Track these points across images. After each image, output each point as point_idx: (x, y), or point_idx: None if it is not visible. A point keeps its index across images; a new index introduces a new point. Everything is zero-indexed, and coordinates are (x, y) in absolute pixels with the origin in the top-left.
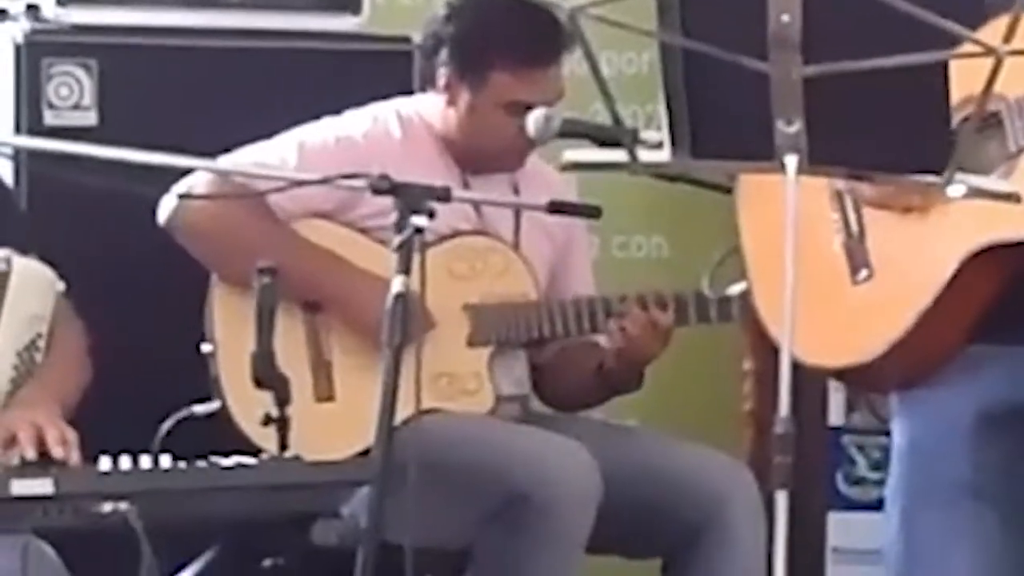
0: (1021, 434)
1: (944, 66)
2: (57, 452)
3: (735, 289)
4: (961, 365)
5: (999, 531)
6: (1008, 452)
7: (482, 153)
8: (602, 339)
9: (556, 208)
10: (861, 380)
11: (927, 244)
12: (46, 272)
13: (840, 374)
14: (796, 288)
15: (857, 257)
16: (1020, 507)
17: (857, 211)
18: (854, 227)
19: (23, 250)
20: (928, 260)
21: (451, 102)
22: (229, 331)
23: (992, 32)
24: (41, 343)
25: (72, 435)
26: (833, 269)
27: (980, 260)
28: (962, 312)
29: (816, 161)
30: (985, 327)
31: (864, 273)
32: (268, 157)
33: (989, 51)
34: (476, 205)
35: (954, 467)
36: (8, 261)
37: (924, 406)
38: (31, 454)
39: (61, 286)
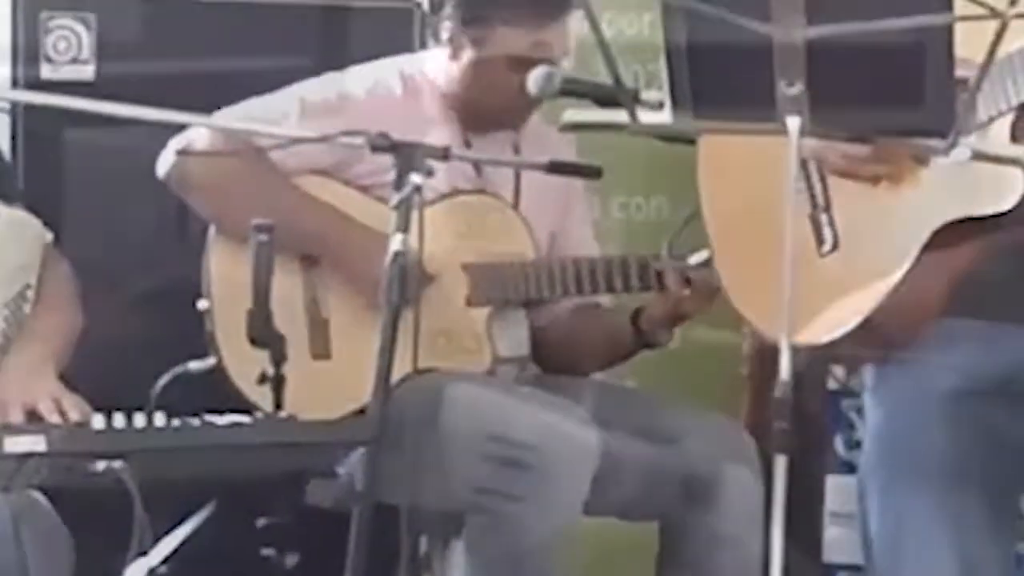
0: (999, 409)
1: (948, 29)
2: (54, 419)
3: (696, 258)
4: (934, 339)
5: (982, 515)
6: (987, 428)
7: (484, 109)
8: (604, 300)
9: (556, 168)
10: (832, 355)
11: (896, 215)
12: (31, 221)
13: (812, 349)
14: (791, 254)
15: (823, 229)
16: (1003, 485)
17: (823, 181)
18: (819, 198)
19: (7, 200)
20: (897, 232)
21: (454, 56)
22: (226, 288)
23: None
24: (29, 293)
25: (66, 398)
26: (799, 241)
27: (950, 233)
28: (933, 286)
29: (817, 123)
30: (958, 301)
31: (830, 245)
32: (268, 112)
33: (994, 14)
34: (476, 164)
35: (932, 442)
36: None
37: (898, 381)
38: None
39: (49, 237)
